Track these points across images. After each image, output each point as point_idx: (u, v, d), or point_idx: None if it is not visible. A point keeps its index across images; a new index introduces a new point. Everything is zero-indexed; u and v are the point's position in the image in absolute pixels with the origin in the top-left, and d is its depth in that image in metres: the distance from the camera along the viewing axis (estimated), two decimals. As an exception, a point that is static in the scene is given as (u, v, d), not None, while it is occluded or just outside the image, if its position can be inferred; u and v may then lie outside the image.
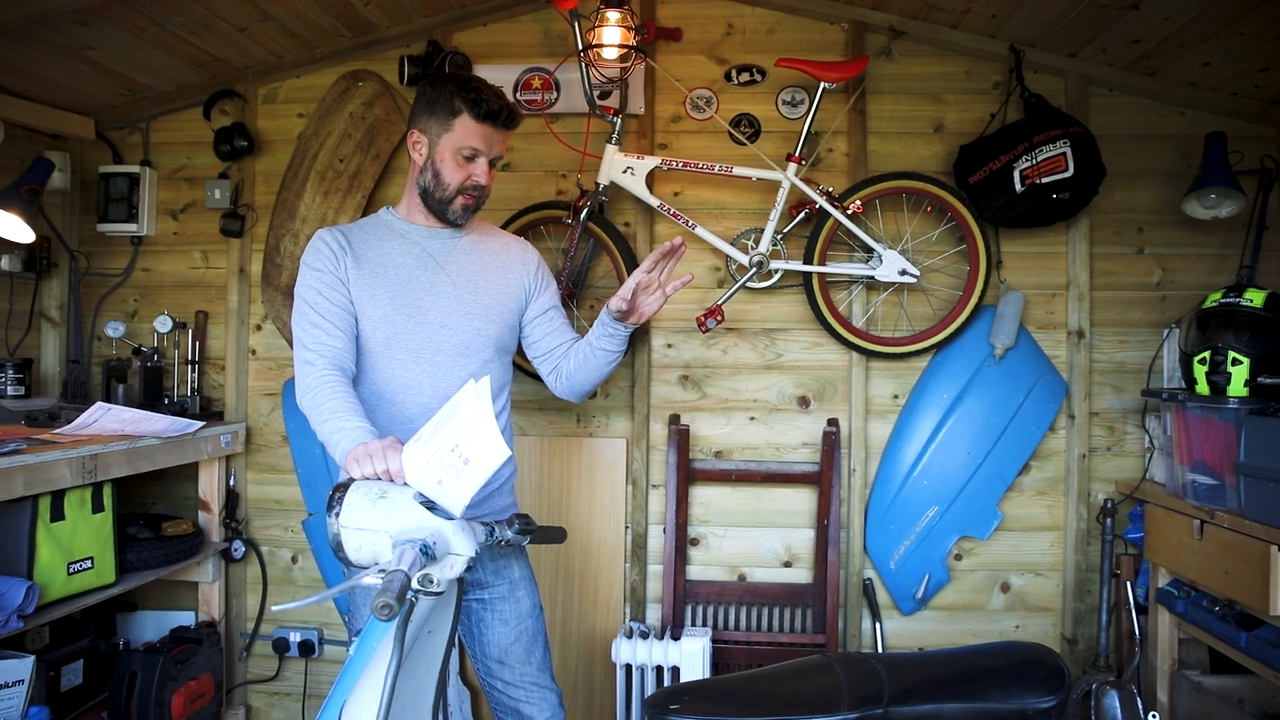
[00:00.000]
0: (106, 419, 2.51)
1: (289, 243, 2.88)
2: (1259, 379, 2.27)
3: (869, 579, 2.87)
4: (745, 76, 2.92)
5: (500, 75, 2.92)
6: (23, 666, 2.15)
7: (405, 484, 1.44)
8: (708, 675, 2.58)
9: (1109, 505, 2.75)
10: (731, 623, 2.86)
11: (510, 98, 2.90)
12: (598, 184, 2.73)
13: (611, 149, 2.72)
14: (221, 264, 3.09)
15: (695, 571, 2.92)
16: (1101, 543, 2.75)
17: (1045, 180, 2.56)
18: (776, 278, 2.78)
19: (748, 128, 2.90)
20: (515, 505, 2.09)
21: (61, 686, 2.53)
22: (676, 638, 2.65)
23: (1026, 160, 2.59)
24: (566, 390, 2.11)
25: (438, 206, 1.94)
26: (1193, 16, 2.34)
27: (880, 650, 2.79)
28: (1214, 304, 2.39)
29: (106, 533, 2.37)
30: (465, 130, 1.87)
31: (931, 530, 2.82)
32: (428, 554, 1.31)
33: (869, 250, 2.71)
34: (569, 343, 2.10)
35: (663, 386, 2.94)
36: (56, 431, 2.44)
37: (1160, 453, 2.71)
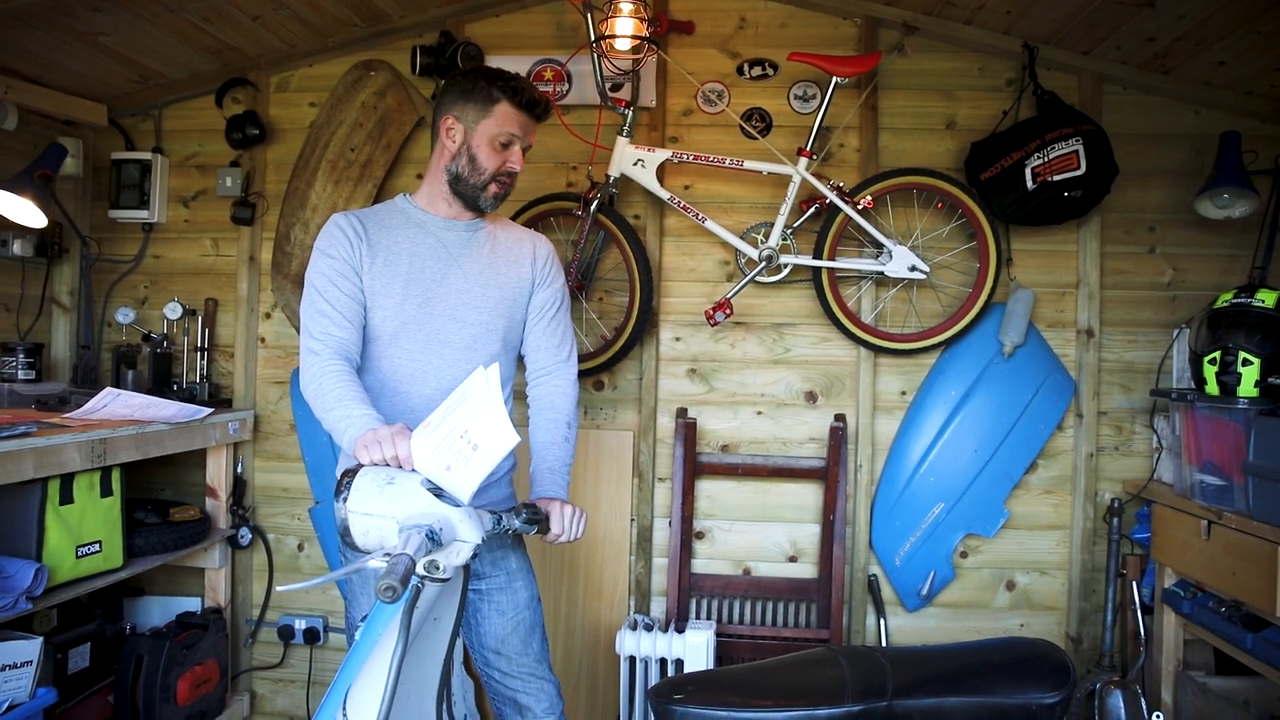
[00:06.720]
0: (116, 404, 2.52)
1: (299, 231, 2.88)
2: (1269, 380, 2.27)
3: (874, 575, 2.87)
4: (757, 70, 2.92)
5: (512, 66, 2.85)
6: (31, 648, 2.17)
7: (413, 470, 1.44)
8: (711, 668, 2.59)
9: (1116, 505, 2.74)
10: (736, 617, 2.86)
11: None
12: (608, 176, 2.73)
13: (622, 141, 2.72)
14: (232, 252, 3.10)
15: (700, 565, 2.92)
16: (1108, 542, 2.75)
17: (1057, 178, 2.55)
18: (786, 272, 2.78)
19: (759, 122, 2.90)
20: (514, 497, 2.08)
21: (69, 669, 2.55)
22: (681, 630, 2.66)
23: (1038, 158, 2.57)
24: None
25: (469, 192, 1.92)
26: (1208, 15, 2.33)
27: (885, 646, 2.80)
28: (1225, 304, 2.38)
29: (115, 517, 2.39)
30: (504, 116, 1.89)
31: (937, 527, 2.82)
32: (434, 540, 1.31)
33: (879, 246, 2.71)
34: (548, 367, 2.05)
35: (670, 380, 2.94)
36: (66, 416, 2.45)
37: (1168, 453, 2.70)
